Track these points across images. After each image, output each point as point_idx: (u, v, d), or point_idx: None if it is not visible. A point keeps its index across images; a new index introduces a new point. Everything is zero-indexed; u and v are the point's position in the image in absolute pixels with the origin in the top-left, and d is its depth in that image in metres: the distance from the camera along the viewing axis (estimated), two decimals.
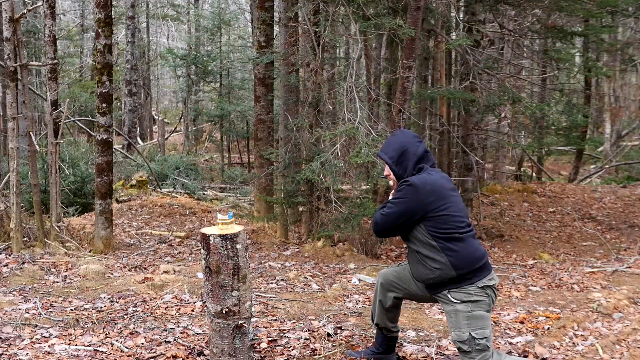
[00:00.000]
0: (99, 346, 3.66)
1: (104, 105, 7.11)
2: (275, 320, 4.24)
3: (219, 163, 17.25)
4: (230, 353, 3.05)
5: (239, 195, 13.05)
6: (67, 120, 9.10)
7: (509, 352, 3.69)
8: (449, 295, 3.01)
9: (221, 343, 3.06)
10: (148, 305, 4.62)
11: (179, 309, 4.55)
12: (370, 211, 6.96)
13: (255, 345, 3.52)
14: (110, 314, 4.41)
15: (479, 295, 2.99)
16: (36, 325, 4.06)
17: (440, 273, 2.98)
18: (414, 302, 5.07)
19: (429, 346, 3.74)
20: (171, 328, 4.02)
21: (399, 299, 3.31)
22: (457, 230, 2.99)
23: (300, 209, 8.24)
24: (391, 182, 3.22)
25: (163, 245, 7.71)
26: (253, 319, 3.73)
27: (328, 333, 3.84)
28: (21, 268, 5.78)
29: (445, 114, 10.31)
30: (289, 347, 3.62)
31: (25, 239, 6.64)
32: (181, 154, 17.73)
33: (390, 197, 3.21)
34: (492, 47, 9.90)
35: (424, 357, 3.56)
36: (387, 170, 3.18)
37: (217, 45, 18.96)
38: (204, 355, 3.47)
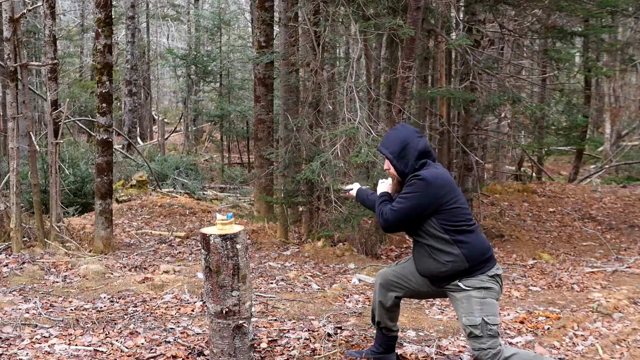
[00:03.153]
0: (99, 346, 3.66)
1: (104, 105, 7.11)
2: (275, 320, 4.24)
3: (219, 163, 17.24)
4: (230, 353, 3.05)
5: (239, 195, 13.04)
6: (67, 120, 9.10)
7: None
8: (460, 284, 3.00)
9: (221, 343, 3.06)
10: (148, 305, 4.62)
11: (179, 309, 4.55)
12: (370, 211, 6.95)
13: (255, 345, 3.52)
14: (110, 314, 4.41)
15: (490, 283, 3.01)
16: (36, 325, 4.06)
17: (452, 266, 2.98)
18: (414, 301, 5.09)
19: (429, 346, 3.74)
20: (171, 328, 4.02)
21: (399, 298, 3.31)
22: (466, 222, 3.02)
23: (300, 209, 8.24)
24: (390, 179, 3.23)
25: (163, 245, 7.71)
26: (253, 319, 3.73)
27: (328, 333, 3.84)
28: (21, 268, 5.78)
29: (445, 114, 10.31)
30: (289, 347, 3.62)
31: (25, 239, 6.63)
32: (181, 154, 17.73)
33: (380, 190, 3.21)
34: (492, 47, 9.90)
35: (424, 357, 3.56)
36: (387, 165, 3.17)
37: (217, 45, 18.94)
38: (204, 355, 3.47)
